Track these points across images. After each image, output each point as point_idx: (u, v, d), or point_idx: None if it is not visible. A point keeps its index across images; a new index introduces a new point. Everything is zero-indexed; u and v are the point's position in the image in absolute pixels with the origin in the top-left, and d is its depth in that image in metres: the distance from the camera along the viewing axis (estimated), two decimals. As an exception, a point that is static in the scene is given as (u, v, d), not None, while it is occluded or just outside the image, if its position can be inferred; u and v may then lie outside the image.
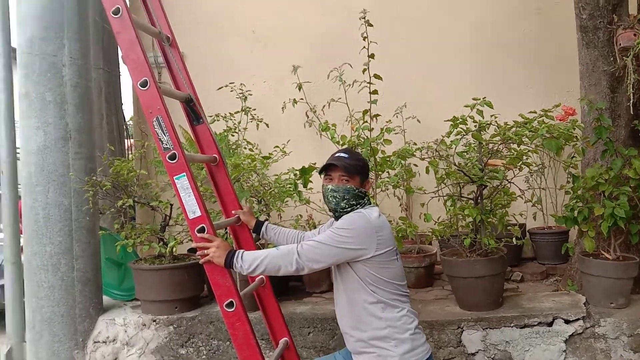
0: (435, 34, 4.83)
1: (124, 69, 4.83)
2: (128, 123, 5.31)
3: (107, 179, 3.37)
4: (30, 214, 3.29)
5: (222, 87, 4.39)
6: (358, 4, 4.38)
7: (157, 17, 2.84)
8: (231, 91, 4.48)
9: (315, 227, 3.92)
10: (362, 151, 3.35)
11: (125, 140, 5.07)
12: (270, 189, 3.56)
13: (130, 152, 5.12)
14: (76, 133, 3.33)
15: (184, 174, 2.26)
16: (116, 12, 2.33)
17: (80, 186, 3.27)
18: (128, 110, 5.32)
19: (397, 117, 4.31)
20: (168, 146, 2.29)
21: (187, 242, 3.63)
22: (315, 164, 3.49)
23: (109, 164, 3.44)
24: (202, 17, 4.91)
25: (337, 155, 2.17)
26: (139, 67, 2.31)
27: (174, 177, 2.27)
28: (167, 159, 2.28)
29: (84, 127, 3.39)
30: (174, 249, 3.32)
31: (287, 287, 3.92)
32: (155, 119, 2.30)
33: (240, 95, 4.50)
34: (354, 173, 2.12)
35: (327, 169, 2.15)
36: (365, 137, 3.38)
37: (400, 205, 4.43)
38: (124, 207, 3.35)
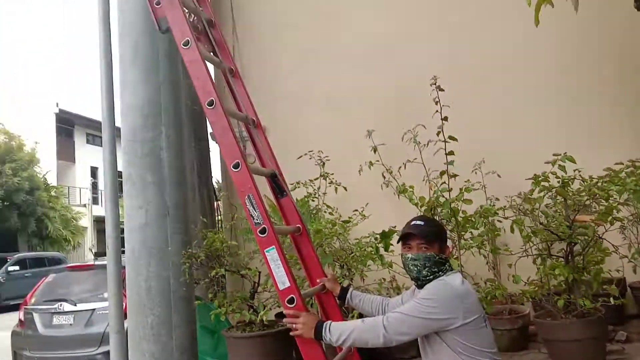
0: (510, 84, 4.80)
1: (212, 144, 5.23)
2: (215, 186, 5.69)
3: (201, 251, 3.62)
4: (133, 287, 3.58)
5: (301, 156, 4.62)
6: (427, 65, 4.55)
7: (242, 102, 3.13)
8: (310, 158, 4.70)
9: (399, 290, 3.93)
10: (442, 212, 3.37)
11: (214, 202, 5.41)
12: (352, 253, 3.64)
13: (218, 212, 5.42)
14: (173, 209, 3.64)
15: (274, 246, 2.42)
16: (210, 103, 2.61)
17: (178, 259, 3.53)
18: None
19: (475, 173, 4.30)
20: (259, 221, 2.46)
21: (274, 307, 3.75)
22: (395, 227, 3.55)
23: (202, 236, 3.69)
24: (281, 93, 5.25)
25: (413, 223, 2.21)
26: (231, 151, 2.55)
27: (265, 250, 2.43)
28: (258, 233, 2.45)
29: (180, 204, 3.70)
30: (264, 319, 3.45)
31: (375, 352, 3.88)
32: (247, 196, 2.49)
33: (319, 161, 4.71)
34: (432, 240, 2.14)
35: (404, 238, 2.19)
36: (445, 199, 3.40)
37: (487, 264, 4.32)
38: (216, 276, 3.56)
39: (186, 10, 2.90)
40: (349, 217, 4.01)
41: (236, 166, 2.52)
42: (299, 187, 4.59)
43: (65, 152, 28.29)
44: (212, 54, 3.15)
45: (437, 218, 3.53)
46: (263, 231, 2.43)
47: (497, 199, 4.11)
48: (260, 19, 5.37)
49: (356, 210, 4.05)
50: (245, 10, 5.33)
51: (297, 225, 2.86)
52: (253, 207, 2.47)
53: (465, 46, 4.81)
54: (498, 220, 3.84)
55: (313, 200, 4.61)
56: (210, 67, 3.11)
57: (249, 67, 5.24)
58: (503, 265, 4.32)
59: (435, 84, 3.49)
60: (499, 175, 4.29)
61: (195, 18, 3.13)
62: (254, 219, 2.46)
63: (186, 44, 2.66)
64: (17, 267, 16.18)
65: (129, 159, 3.71)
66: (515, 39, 4.65)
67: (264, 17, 5.36)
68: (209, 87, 2.62)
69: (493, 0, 4.66)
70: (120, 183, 3.92)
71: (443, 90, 3.51)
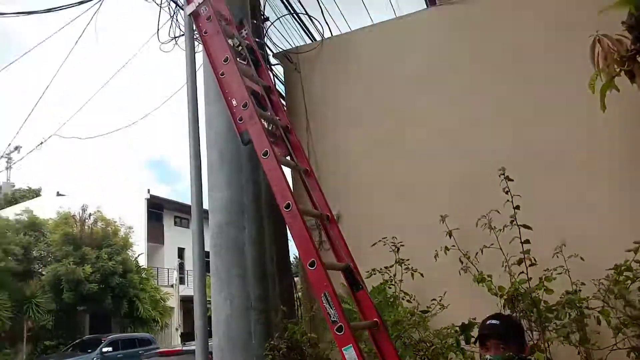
0: (583, 168, 4.65)
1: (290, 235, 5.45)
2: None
3: (283, 342, 3.73)
4: (220, 379, 3.73)
5: (375, 243, 4.70)
6: (497, 150, 4.60)
7: (317, 200, 3.35)
8: (384, 245, 4.77)
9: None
10: (522, 303, 3.30)
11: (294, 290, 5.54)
12: (433, 345, 3.59)
13: (296, 290, 5.53)
14: (256, 301, 3.84)
15: (351, 345, 2.50)
16: (287, 206, 2.85)
17: (260, 352, 3.66)
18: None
19: (557, 257, 4.16)
20: (335, 319, 2.58)
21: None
22: (474, 318, 3.49)
23: (283, 328, 3.82)
24: (353, 182, 5.45)
25: (489, 323, 2.23)
26: (307, 251, 2.73)
27: (343, 349, 2.52)
28: (335, 330, 2.56)
29: (262, 295, 3.90)
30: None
31: None
32: (323, 294, 2.64)
33: (393, 247, 4.75)
34: (509, 339, 2.14)
35: (481, 338, 2.20)
36: (524, 290, 3.33)
37: (579, 353, 4.05)
38: (297, 368, 3.63)
39: (264, 122, 3.24)
40: (427, 307, 3.98)
41: (312, 264, 2.69)
42: (374, 274, 4.64)
43: (155, 235, 30.17)
44: (288, 157, 3.44)
45: (518, 308, 3.45)
46: (340, 329, 2.53)
47: (583, 284, 3.93)
48: (331, 115, 5.71)
49: (434, 299, 4.02)
50: (317, 109, 5.70)
51: (375, 319, 2.93)
52: (329, 305, 2.60)
53: (535, 131, 4.80)
54: (587, 308, 3.66)
55: (390, 287, 4.62)
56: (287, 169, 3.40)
57: (322, 158, 5.53)
58: (596, 356, 4.04)
59: (503, 174, 3.53)
60: (582, 259, 4.12)
61: (273, 126, 3.46)
62: (330, 317, 2.58)
63: (265, 154, 2.95)
64: (110, 348, 17.06)
65: (216, 252, 4.01)
66: (587, 123, 4.58)
67: (335, 113, 5.70)
68: (286, 192, 2.87)
69: (561, 84, 4.69)
70: (207, 264, 4.20)
71: (512, 180, 3.54)
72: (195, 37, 4.43)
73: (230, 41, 3.33)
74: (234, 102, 3.07)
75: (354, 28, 6.45)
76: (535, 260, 3.73)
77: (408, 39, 5.64)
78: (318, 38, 6.27)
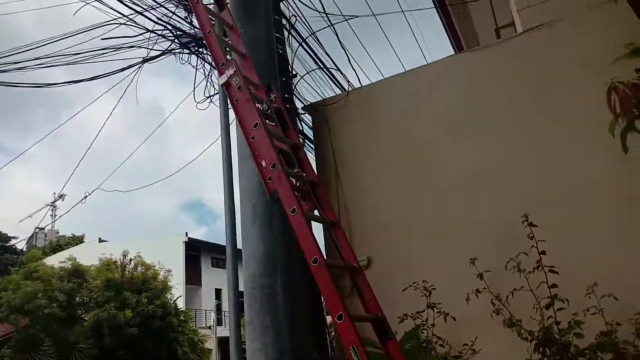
0: (617, 201, 4.64)
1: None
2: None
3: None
4: None
5: (406, 288, 4.77)
6: (523, 193, 4.67)
7: (344, 252, 3.49)
8: (415, 289, 4.82)
9: None
10: (553, 349, 3.31)
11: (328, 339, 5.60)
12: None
13: (329, 332, 5.59)
14: (290, 351, 3.95)
15: (380, 397, 2.59)
16: (315, 261, 3.01)
17: (296, 401, 3.76)
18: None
19: (589, 297, 4.14)
20: (364, 372, 2.68)
21: None
22: (507, 364, 3.51)
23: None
24: (383, 227, 5.56)
25: None
26: (335, 305, 2.87)
27: (372, 400, 2.61)
28: (364, 383, 2.65)
29: (295, 345, 4.01)
30: None
31: None
32: (351, 347, 2.75)
33: (424, 292, 4.80)
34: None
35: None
36: (552, 335, 3.36)
37: (617, 398, 3.98)
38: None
39: (292, 179, 3.44)
40: (459, 352, 4.01)
41: (340, 318, 2.81)
42: (406, 319, 4.68)
43: (193, 277, 30.56)
44: (315, 211, 3.61)
45: (548, 353, 3.46)
46: (369, 381, 2.63)
47: (619, 324, 3.90)
48: (359, 162, 5.89)
49: (466, 344, 4.05)
50: (346, 157, 5.88)
51: (404, 369, 3.00)
52: (358, 358, 2.70)
53: (564, 173, 4.84)
54: (622, 349, 3.63)
55: (422, 332, 4.65)
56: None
57: (352, 205, 5.68)
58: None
59: (526, 220, 3.61)
60: (615, 298, 4.08)
61: (301, 182, 3.65)
62: (359, 369, 2.68)
63: (293, 211, 3.13)
64: (150, 393, 17.13)
65: (250, 303, 4.17)
66: (615, 163, 4.57)
67: (363, 160, 5.88)
68: (313, 247, 3.03)
69: (590, 126, 4.71)
70: (241, 303, 4.35)
71: (536, 225, 3.61)
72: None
73: (259, 106, 3.58)
74: (264, 164, 3.27)
75: (386, 74, 6.70)
76: (568, 302, 3.74)
77: (434, 85, 5.81)
78: (347, 87, 6.54)
